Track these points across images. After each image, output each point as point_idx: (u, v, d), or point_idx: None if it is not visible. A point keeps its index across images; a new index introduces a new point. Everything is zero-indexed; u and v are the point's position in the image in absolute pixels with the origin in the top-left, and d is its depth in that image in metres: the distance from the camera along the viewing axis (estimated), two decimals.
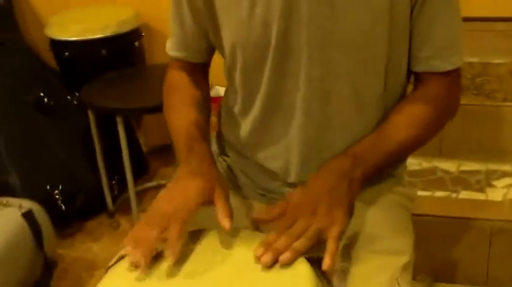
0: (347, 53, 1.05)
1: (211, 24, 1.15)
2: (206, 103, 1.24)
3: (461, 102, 1.18)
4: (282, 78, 1.09)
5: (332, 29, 1.04)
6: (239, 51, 1.11)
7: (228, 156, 1.29)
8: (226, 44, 1.13)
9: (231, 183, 1.24)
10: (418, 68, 1.12)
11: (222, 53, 1.18)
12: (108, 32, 2.40)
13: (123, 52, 2.48)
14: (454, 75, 1.12)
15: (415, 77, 1.15)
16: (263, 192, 1.23)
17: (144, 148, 2.74)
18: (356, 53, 1.06)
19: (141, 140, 2.72)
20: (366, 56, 1.07)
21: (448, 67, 1.10)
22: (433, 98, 1.12)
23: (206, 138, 1.15)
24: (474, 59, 2.21)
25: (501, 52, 2.24)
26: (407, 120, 1.10)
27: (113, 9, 2.60)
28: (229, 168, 1.28)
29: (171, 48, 1.24)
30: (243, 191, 1.25)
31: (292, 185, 1.16)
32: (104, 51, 2.40)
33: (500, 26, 2.37)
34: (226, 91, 1.25)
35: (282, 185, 1.19)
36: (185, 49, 1.23)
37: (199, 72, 1.26)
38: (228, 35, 1.12)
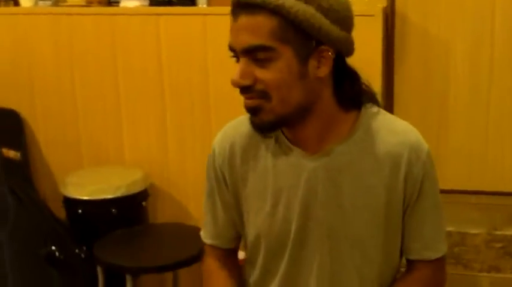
0: (352, 244, 1.29)
1: (238, 216, 1.39)
2: (236, 283, 1.44)
3: None
4: (298, 264, 1.32)
5: (341, 225, 1.28)
6: (262, 241, 1.34)
7: None
8: (251, 233, 1.37)
9: None
10: (410, 256, 1.36)
11: (246, 239, 1.41)
12: (119, 193, 2.63)
13: (131, 211, 2.70)
14: (441, 259, 1.36)
15: (407, 262, 1.38)
16: None
17: None
18: (359, 244, 1.30)
19: None
20: (366, 246, 1.30)
21: (436, 255, 1.34)
22: (424, 281, 1.35)
23: None
24: (452, 228, 2.44)
25: (476, 223, 2.49)
26: None
27: (123, 171, 2.84)
28: None
29: (205, 236, 1.48)
30: None
31: None
32: (114, 210, 2.61)
33: (474, 199, 2.64)
34: (245, 266, 1.46)
35: None
36: (217, 237, 1.46)
37: (230, 256, 1.48)
38: (252, 226, 1.36)
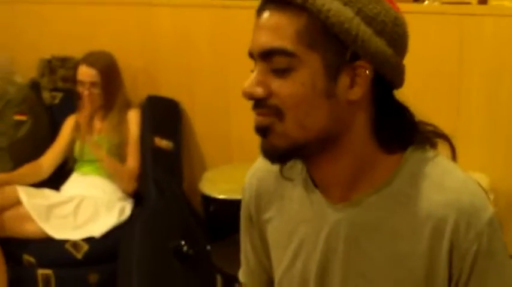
0: None
1: (268, 261, 1.20)
2: None
3: None
4: None
5: None
6: None
7: None
8: (276, 279, 1.16)
9: None
10: None
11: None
12: None
13: None
14: None
15: None
16: None
17: None
18: None
19: None
20: None
21: None
22: None
23: None
24: None
25: None
26: None
27: None
28: None
29: (240, 275, 1.30)
30: None
31: None
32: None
33: None
34: None
35: None
36: (251, 278, 1.28)
37: None
38: (276, 276, 1.16)
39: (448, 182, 0.99)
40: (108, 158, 2.77)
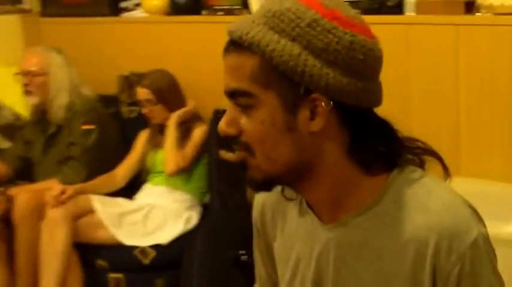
0: None
1: (275, 275, 1.25)
2: None
3: None
4: None
5: None
6: None
7: None
8: None
9: None
10: None
11: None
12: None
13: None
14: None
15: None
16: None
17: None
18: None
19: None
20: None
21: None
22: None
23: None
24: None
25: None
26: None
27: None
28: None
29: None
30: None
31: None
32: None
33: None
34: None
35: None
36: None
37: None
38: None
39: (432, 203, 1.01)
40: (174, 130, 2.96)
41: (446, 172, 1.08)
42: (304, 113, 0.99)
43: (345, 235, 1.06)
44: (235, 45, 1.00)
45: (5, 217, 2.89)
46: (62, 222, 2.73)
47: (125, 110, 3.43)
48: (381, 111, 1.06)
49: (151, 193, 3.01)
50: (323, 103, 0.98)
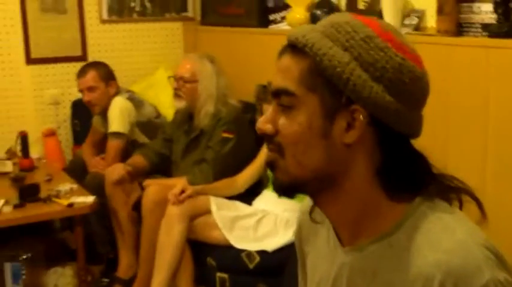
0: None
1: None
2: None
3: None
4: None
5: None
6: None
7: None
8: None
9: None
10: None
11: None
12: None
13: None
14: None
15: None
16: None
17: None
18: None
19: None
20: None
21: None
22: None
23: None
24: None
25: None
26: None
27: None
28: None
29: None
30: None
31: None
32: None
33: None
34: None
35: None
36: None
37: None
38: None
39: (445, 241, 0.98)
40: None
41: (483, 215, 1.05)
42: (341, 123, 1.01)
43: (359, 260, 1.06)
44: (291, 47, 1.05)
45: (138, 206, 3.20)
46: (178, 219, 2.95)
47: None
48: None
49: (267, 200, 3.11)
50: (361, 116, 1.00)
